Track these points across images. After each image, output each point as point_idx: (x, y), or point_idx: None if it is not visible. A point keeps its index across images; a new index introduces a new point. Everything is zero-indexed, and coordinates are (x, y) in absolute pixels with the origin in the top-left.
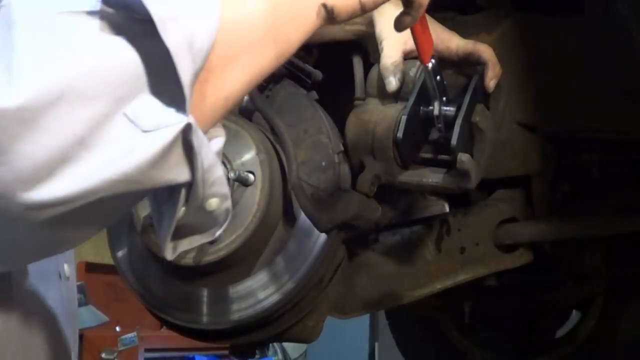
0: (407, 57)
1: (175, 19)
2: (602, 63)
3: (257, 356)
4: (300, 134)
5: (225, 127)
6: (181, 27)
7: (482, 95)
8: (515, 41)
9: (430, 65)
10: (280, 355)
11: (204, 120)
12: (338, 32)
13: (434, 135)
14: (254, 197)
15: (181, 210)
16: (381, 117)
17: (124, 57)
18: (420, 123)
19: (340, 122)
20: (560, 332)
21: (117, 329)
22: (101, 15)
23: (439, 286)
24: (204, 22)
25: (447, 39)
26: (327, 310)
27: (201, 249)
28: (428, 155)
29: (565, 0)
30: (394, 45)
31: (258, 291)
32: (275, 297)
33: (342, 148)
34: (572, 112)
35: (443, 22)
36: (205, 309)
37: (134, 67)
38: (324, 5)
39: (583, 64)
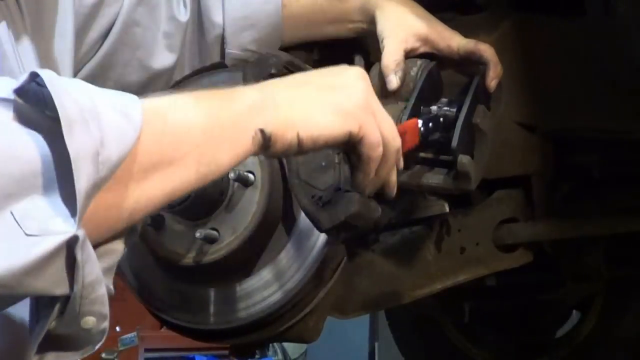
0: (408, 55)
1: (86, 123)
2: (602, 63)
3: (257, 356)
4: None
5: None
6: (90, 132)
7: (482, 95)
8: (515, 41)
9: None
10: (280, 355)
11: (102, 231)
12: (339, 30)
13: (434, 135)
14: (254, 197)
15: (53, 322)
16: None
17: (25, 153)
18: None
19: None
20: (560, 332)
21: (117, 329)
22: (13, 104)
23: (439, 286)
24: (120, 131)
25: (448, 38)
26: (327, 310)
27: (201, 249)
28: (428, 156)
29: (565, 0)
30: (395, 44)
31: (258, 292)
32: (275, 298)
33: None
34: (572, 112)
35: (443, 22)
36: (206, 308)
37: (32, 164)
38: (262, 132)
39: (583, 64)
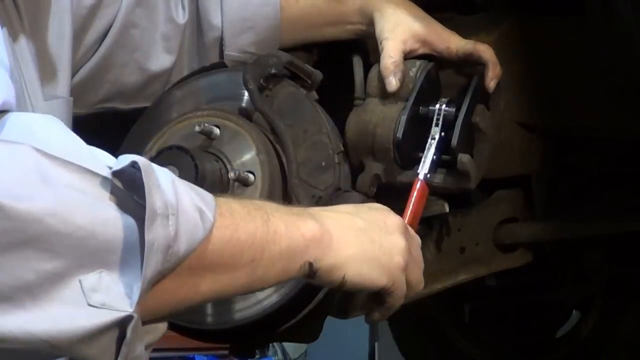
0: (407, 57)
1: (166, 217)
2: (602, 63)
3: (257, 356)
4: (300, 134)
5: (225, 127)
6: (168, 227)
7: (482, 96)
8: (515, 41)
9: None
10: (280, 355)
11: (151, 312)
12: (338, 31)
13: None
14: (254, 197)
15: None
16: (381, 117)
17: (108, 229)
18: (420, 123)
19: (340, 122)
20: (560, 332)
21: None
22: (112, 185)
23: (439, 286)
24: (193, 229)
25: (447, 39)
26: (327, 310)
27: None
28: None
29: (565, 0)
30: (394, 45)
31: (258, 291)
32: (274, 298)
33: (342, 148)
34: (572, 112)
35: (443, 22)
36: (206, 308)
37: (111, 243)
38: (310, 264)
39: (583, 63)
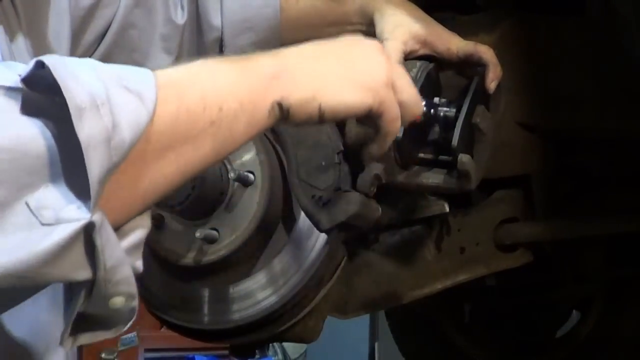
0: (408, 58)
1: (96, 108)
2: (602, 63)
3: (257, 356)
4: (300, 134)
5: None
6: (101, 118)
7: (482, 97)
8: (515, 41)
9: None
10: (280, 355)
11: (120, 213)
12: (338, 32)
13: (434, 135)
14: (254, 197)
15: (82, 304)
16: None
17: (35, 142)
18: (420, 124)
19: (340, 122)
20: (560, 332)
21: None
22: (23, 93)
23: (439, 286)
24: (132, 113)
25: (447, 40)
26: (327, 310)
27: (201, 249)
28: (428, 156)
29: (565, 0)
30: (394, 46)
31: (258, 291)
32: (275, 297)
33: (342, 148)
34: (572, 112)
35: (443, 22)
36: (206, 308)
37: (43, 154)
38: (280, 105)
39: (583, 63)
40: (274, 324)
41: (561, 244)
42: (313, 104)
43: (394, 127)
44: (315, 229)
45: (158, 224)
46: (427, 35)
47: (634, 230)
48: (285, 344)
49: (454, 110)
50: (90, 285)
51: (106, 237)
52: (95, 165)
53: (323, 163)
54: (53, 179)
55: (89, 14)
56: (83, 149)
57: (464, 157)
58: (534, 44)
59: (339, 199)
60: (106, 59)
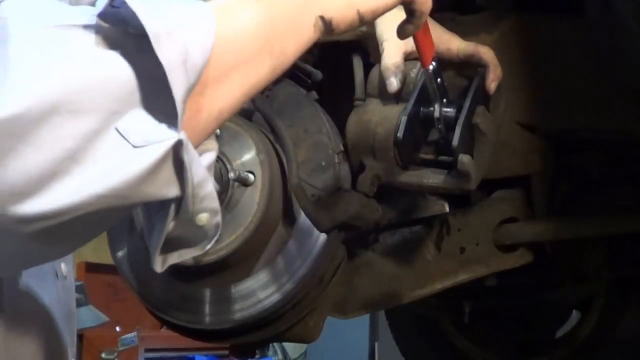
0: (408, 58)
1: (170, 34)
2: (602, 63)
3: (257, 356)
4: (300, 134)
5: (225, 127)
6: (175, 42)
7: (482, 97)
8: (515, 41)
9: (431, 67)
10: (280, 355)
11: (197, 133)
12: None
13: (434, 136)
14: (254, 197)
15: (171, 224)
16: (382, 117)
17: (118, 72)
18: (420, 124)
19: (340, 122)
20: (560, 332)
21: (117, 329)
22: (97, 29)
23: (439, 286)
24: (199, 37)
25: (447, 41)
26: (327, 310)
27: None
28: (428, 156)
29: (565, 0)
30: (395, 46)
31: (258, 291)
32: (275, 297)
33: (342, 148)
34: (572, 112)
35: (443, 22)
36: (206, 308)
37: (127, 82)
38: (322, 18)
39: (583, 63)
40: (274, 324)
41: (561, 244)
42: (352, 11)
43: (427, 6)
44: (315, 229)
45: None
46: None
47: (634, 230)
48: (285, 344)
49: (454, 110)
50: (179, 203)
51: (191, 155)
52: (177, 86)
53: (323, 163)
54: (138, 105)
55: None
56: (166, 71)
57: (464, 158)
58: (533, 43)
59: (339, 199)
60: None
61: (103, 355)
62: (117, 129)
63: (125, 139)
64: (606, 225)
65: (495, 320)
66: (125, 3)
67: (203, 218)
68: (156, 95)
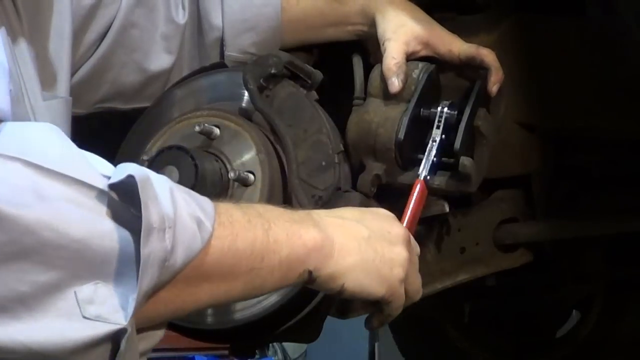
0: (410, 58)
1: (163, 231)
2: (602, 63)
3: (257, 356)
4: (300, 134)
5: (225, 127)
6: (164, 240)
7: (483, 99)
8: (515, 41)
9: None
10: (280, 355)
11: (147, 320)
12: (339, 32)
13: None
14: (254, 197)
15: None
16: (384, 118)
17: (102, 242)
18: (421, 125)
19: (340, 122)
20: (560, 332)
21: None
22: (109, 197)
23: (439, 286)
24: (189, 240)
25: (449, 42)
26: (327, 311)
27: None
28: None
29: (565, 0)
30: (397, 46)
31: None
32: (274, 297)
33: (342, 148)
34: (572, 112)
35: (443, 22)
36: (207, 309)
37: (104, 254)
38: (310, 272)
39: (583, 63)
40: (274, 324)
41: (561, 244)
42: (338, 282)
43: (396, 313)
44: None
45: None
46: (429, 37)
47: (634, 230)
48: (285, 344)
49: (455, 112)
50: None
51: (130, 345)
52: (146, 281)
53: (323, 163)
54: (105, 278)
55: (91, 13)
56: (142, 263)
57: (465, 160)
58: (534, 44)
59: (339, 199)
60: (107, 58)
61: None
62: (75, 293)
63: (78, 305)
64: (606, 225)
65: (495, 320)
66: (137, 186)
67: None
68: (125, 276)
